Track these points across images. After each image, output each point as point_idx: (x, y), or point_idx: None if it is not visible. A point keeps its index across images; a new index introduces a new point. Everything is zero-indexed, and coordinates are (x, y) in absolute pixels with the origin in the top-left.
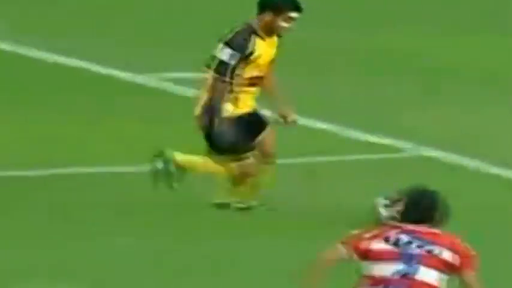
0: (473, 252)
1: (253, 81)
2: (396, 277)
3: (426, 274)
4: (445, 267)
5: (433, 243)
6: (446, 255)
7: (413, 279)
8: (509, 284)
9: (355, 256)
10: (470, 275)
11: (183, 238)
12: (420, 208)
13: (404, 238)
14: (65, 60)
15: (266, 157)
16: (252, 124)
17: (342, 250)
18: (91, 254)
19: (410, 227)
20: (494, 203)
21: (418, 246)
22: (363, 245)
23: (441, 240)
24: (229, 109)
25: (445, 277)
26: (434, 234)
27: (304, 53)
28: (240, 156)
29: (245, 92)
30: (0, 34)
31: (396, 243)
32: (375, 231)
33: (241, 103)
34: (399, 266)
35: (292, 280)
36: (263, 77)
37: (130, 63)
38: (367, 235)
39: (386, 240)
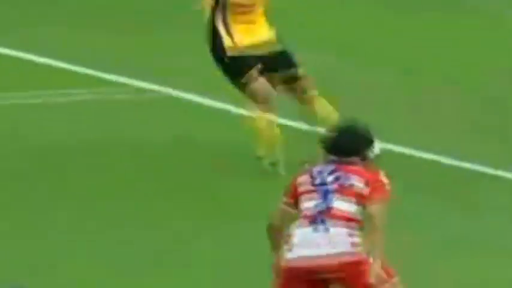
0: (387, 187)
1: (237, 8)
2: (316, 211)
3: (341, 204)
4: (357, 197)
5: (350, 175)
6: (358, 184)
7: (330, 210)
8: None
9: (295, 198)
10: (376, 206)
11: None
12: (343, 142)
13: (322, 170)
14: None
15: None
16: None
17: (284, 207)
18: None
19: (333, 161)
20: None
21: (336, 179)
22: (296, 182)
23: (352, 171)
24: (227, 43)
25: (361, 208)
26: (346, 166)
27: None
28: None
29: (234, 19)
30: None
31: (316, 178)
32: (303, 171)
33: (235, 34)
34: (317, 199)
35: None
36: (250, 9)
37: None
38: (302, 172)
39: (311, 175)
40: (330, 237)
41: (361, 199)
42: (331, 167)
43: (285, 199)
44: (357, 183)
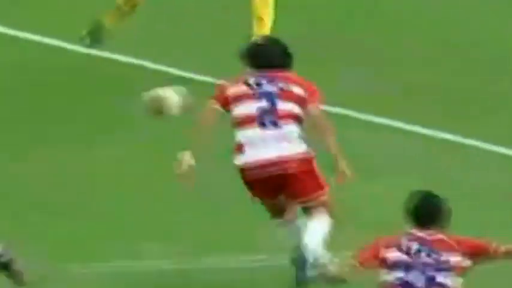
0: (320, 93)
1: None
2: (260, 112)
3: (285, 106)
4: (298, 100)
5: (282, 80)
6: (296, 89)
7: (276, 111)
8: None
9: (225, 107)
10: (315, 107)
11: None
12: (267, 54)
13: (259, 80)
14: None
15: None
16: None
17: (215, 105)
18: None
19: (265, 71)
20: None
21: (270, 83)
22: (228, 92)
23: (288, 78)
24: None
25: (301, 110)
26: (282, 74)
27: None
28: None
29: None
30: None
31: (252, 85)
32: (236, 79)
33: None
34: (261, 103)
35: None
36: None
37: None
38: (229, 84)
39: (246, 83)
40: (280, 135)
41: (301, 102)
42: (268, 77)
43: (214, 101)
44: (296, 88)
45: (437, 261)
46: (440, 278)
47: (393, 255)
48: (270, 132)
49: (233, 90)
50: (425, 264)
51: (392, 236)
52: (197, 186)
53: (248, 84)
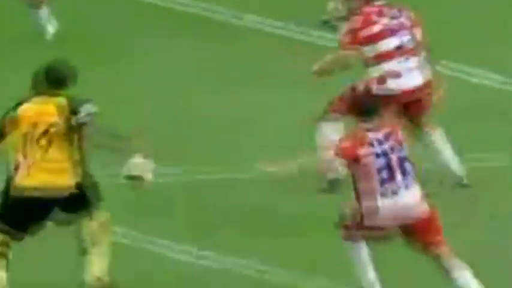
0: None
1: None
2: (401, 44)
3: (418, 34)
4: (421, 27)
5: (404, 10)
6: (412, 16)
7: (413, 40)
8: None
9: (361, 47)
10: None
11: None
12: None
13: (393, 14)
14: None
15: None
16: None
17: (349, 52)
18: None
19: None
20: None
21: (401, 15)
22: (363, 33)
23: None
24: None
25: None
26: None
27: None
28: None
29: None
30: None
31: (389, 19)
32: (363, 18)
33: None
34: (400, 35)
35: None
36: None
37: None
38: (359, 24)
39: (382, 17)
40: (420, 63)
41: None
42: (395, 10)
43: (347, 47)
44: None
45: (399, 144)
46: (405, 153)
47: (367, 151)
48: (412, 61)
49: (372, 28)
50: (394, 148)
51: (359, 134)
52: None
53: (384, 17)
